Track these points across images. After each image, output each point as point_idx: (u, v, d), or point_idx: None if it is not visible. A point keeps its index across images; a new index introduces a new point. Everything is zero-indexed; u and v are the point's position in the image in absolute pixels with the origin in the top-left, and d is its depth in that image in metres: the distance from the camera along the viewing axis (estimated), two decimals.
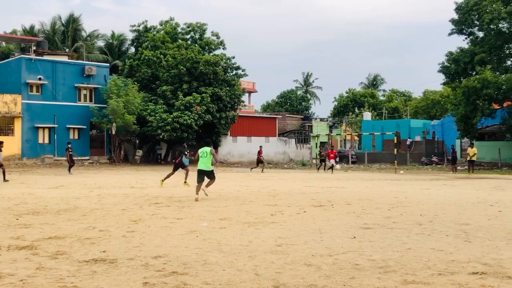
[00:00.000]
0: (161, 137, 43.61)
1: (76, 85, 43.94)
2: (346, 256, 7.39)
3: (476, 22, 42.83)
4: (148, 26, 51.26)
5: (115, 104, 40.95)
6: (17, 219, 10.90)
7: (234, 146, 52.32)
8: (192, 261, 7.02)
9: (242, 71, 50.11)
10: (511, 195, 17.49)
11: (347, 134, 64.93)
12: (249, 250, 7.79)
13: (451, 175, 32.60)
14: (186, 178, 21.12)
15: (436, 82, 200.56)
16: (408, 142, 53.25)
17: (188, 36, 51.06)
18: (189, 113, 42.98)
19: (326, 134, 60.22)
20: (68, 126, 43.13)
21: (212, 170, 15.36)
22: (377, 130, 54.86)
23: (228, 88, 47.10)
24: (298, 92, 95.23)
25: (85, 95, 44.87)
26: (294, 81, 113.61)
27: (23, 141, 40.83)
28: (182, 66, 44.89)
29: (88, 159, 43.10)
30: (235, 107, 49.33)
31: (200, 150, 15.43)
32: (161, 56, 46.36)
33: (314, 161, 48.11)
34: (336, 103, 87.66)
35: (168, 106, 44.04)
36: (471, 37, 44.26)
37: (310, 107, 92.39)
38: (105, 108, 42.58)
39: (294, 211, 12.39)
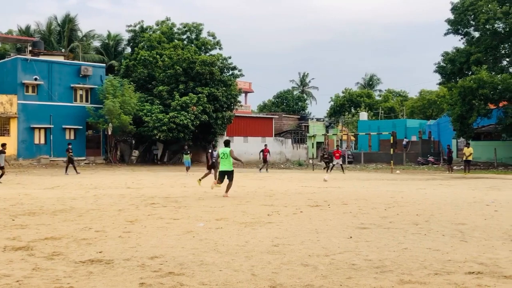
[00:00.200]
0: (157, 137, 43.59)
1: (72, 85, 43.87)
2: (342, 256, 7.40)
3: (472, 22, 42.91)
4: (144, 26, 51.26)
5: (111, 104, 40.90)
6: (13, 220, 10.88)
7: (231, 146, 52.18)
8: (188, 261, 7.01)
9: (239, 71, 50.19)
10: (507, 194, 17.54)
11: (344, 134, 64.97)
12: (245, 250, 7.79)
13: (447, 175, 32.67)
14: (203, 177, 20.92)
15: (432, 82, 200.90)
16: (404, 142, 53.32)
17: (184, 36, 51.07)
18: (186, 113, 42.96)
19: (322, 134, 60.24)
20: (64, 126, 43.06)
21: (233, 170, 16.20)
22: (374, 130, 54.93)
23: (224, 88, 47.10)
24: (295, 92, 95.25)
25: (81, 96, 44.81)
26: (290, 81, 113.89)
27: (19, 141, 40.75)
28: (179, 66, 44.86)
29: (84, 160, 43.04)
30: (232, 107, 49.35)
31: (220, 152, 16.21)
32: (157, 56, 46.34)
33: (310, 161, 48.10)
34: (332, 103, 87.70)
35: (165, 106, 44.02)
36: (467, 37, 44.34)
37: (306, 107, 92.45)
38: (101, 109, 42.52)
39: (290, 211, 12.39)
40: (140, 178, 27.02)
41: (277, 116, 65.15)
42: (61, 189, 19.35)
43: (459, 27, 43.84)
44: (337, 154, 36.87)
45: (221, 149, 16.35)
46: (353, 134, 62.59)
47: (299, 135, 63.61)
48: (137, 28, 51.38)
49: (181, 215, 11.67)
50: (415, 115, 73.87)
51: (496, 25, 41.66)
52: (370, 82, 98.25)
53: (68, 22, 58.05)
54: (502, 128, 41.90)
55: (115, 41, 60.70)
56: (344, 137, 67.79)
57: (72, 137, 43.40)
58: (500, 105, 41.91)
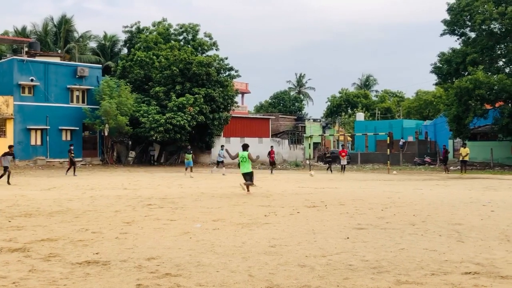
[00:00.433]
0: (154, 138, 43.56)
1: (68, 86, 43.82)
2: (339, 256, 7.40)
3: (468, 22, 43.00)
4: (141, 27, 51.24)
5: (107, 105, 40.85)
6: (9, 221, 10.85)
7: (227, 147, 51.98)
8: (185, 262, 7.00)
9: (235, 72, 50.20)
10: (503, 195, 17.57)
11: (340, 135, 64.99)
12: (242, 251, 7.79)
13: (444, 175, 32.71)
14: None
15: (428, 83, 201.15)
16: (401, 143, 53.36)
17: (181, 37, 51.06)
18: (182, 114, 42.94)
19: (319, 135, 60.26)
20: (60, 127, 43.00)
21: (252, 172, 17.68)
22: (370, 131, 54.94)
23: (221, 89, 47.10)
24: (291, 93, 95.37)
25: (77, 97, 44.74)
26: (287, 82, 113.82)
27: (15, 142, 40.56)
28: (175, 67, 44.84)
29: (81, 161, 42.95)
30: (228, 108, 49.34)
31: (240, 155, 17.64)
32: (154, 57, 46.32)
33: (307, 161, 48.10)
34: (329, 103, 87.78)
35: (161, 107, 43.99)
36: (463, 37, 44.42)
37: (303, 107, 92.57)
38: (97, 110, 42.47)
39: (287, 212, 12.39)
40: (136, 179, 26.99)
41: (273, 117, 65.17)
42: (57, 190, 19.32)
43: (455, 27, 43.92)
44: (343, 154, 36.82)
45: (240, 152, 17.79)
46: (349, 134, 62.60)
47: (296, 136, 63.63)
48: (133, 29, 51.37)
49: (178, 216, 11.66)
50: (411, 116, 73.94)
51: (492, 26, 41.76)
52: (367, 83, 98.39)
53: (64, 23, 57.98)
54: (498, 128, 41.98)
55: (112, 42, 60.66)
56: (341, 138, 67.83)
57: (69, 138, 43.33)
58: (496, 105, 42.00)
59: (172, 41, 49.37)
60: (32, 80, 41.61)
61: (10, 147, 23.94)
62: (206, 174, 33.43)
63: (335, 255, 7.51)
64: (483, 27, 41.30)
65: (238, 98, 59.24)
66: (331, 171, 37.31)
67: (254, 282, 6.01)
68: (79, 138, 44.13)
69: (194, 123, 43.99)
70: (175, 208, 13.31)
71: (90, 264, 6.93)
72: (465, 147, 34.99)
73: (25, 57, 43.16)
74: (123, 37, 55.08)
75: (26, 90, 41.89)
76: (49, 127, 42.33)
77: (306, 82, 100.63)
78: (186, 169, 31.17)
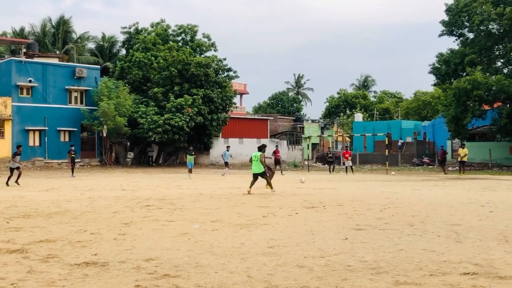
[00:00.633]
0: (152, 139, 43.54)
1: (66, 87, 43.79)
2: (338, 257, 7.40)
3: (466, 23, 43.03)
4: (139, 28, 51.23)
5: (106, 106, 40.84)
6: (8, 223, 10.84)
7: (226, 148, 52.18)
8: (184, 263, 7.00)
9: (234, 72, 50.18)
10: (501, 195, 17.58)
11: (339, 135, 65.00)
12: (241, 252, 7.78)
13: (442, 176, 32.72)
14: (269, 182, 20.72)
15: (427, 83, 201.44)
16: (399, 143, 53.38)
17: (179, 38, 51.07)
18: (181, 115, 42.93)
19: (317, 136, 60.27)
20: (59, 128, 42.96)
21: (264, 171, 18.08)
22: (369, 131, 54.97)
23: (219, 89, 47.09)
24: (290, 94, 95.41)
25: (75, 97, 44.72)
26: (285, 83, 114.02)
27: (13, 143, 40.54)
28: (174, 68, 44.84)
29: (79, 162, 42.90)
30: (227, 108, 49.34)
31: (253, 155, 18.19)
32: (152, 58, 46.32)
33: (306, 162, 48.12)
34: (327, 104, 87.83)
35: (160, 108, 43.99)
36: (461, 38, 44.45)
37: (301, 108, 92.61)
38: (96, 110, 42.45)
39: (286, 213, 12.39)
40: (135, 180, 26.97)
41: (272, 118, 65.12)
42: (56, 191, 19.30)
43: (453, 28, 43.94)
44: (347, 155, 36.62)
45: (254, 153, 18.31)
46: (348, 135, 62.63)
47: (294, 137, 63.61)
48: (132, 30, 51.38)
49: (176, 217, 11.65)
50: (410, 116, 74.01)
51: (490, 26, 41.81)
52: (365, 83, 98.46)
53: (63, 24, 57.94)
54: (496, 129, 42.02)
55: (110, 43, 60.62)
56: (339, 138, 67.85)
57: (67, 139, 43.30)
58: (495, 106, 42.03)
59: (170, 42, 49.37)
60: (30, 81, 41.58)
61: (18, 146, 23.70)
62: (205, 175, 33.40)
63: (333, 255, 7.51)
64: (482, 27, 41.35)
65: (236, 99, 59.22)
66: (333, 171, 37.32)
67: (252, 283, 6.01)
68: (77, 139, 44.08)
69: (193, 124, 43.98)
70: (173, 209, 13.30)
71: (89, 265, 6.92)
72: (463, 148, 35.02)
73: (23, 58, 43.13)
74: (121, 38, 55.17)
75: (24, 91, 41.85)
76: (47, 128, 42.29)
77: (304, 82, 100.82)
78: (189, 170, 30.60)
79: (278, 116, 70.98)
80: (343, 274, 6.43)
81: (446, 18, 43.73)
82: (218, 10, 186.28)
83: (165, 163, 49.00)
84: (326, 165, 39.69)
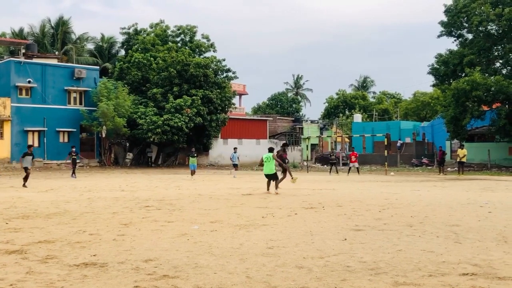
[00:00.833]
0: (151, 139, 43.53)
1: (65, 88, 43.78)
2: (337, 258, 7.40)
3: (465, 24, 43.05)
4: (138, 28, 51.24)
5: (105, 107, 40.84)
6: (7, 223, 10.83)
7: (225, 148, 52.30)
8: (183, 264, 7.00)
9: (233, 73, 50.22)
10: (500, 196, 17.58)
11: (338, 136, 65.01)
12: (240, 252, 7.78)
13: (441, 177, 32.74)
14: (290, 175, 20.59)
15: (426, 84, 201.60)
16: (398, 144, 53.41)
17: (178, 39, 51.09)
18: (180, 115, 42.94)
19: (316, 136, 60.28)
20: (58, 129, 42.95)
21: (275, 173, 18.30)
22: (368, 132, 54.99)
23: (218, 90, 47.11)
24: (289, 94, 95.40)
25: (75, 98, 44.71)
26: (284, 83, 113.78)
27: (12, 144, 40.61)
28: (173, 68, 44.85)
29: (78, 162, 42.87)
30: (226, 109, 49.37)
31: (264, 156, 18.38)
32: (152, 58, 46.34)
33: (305, 163, 48.12)
34: (326, 105, 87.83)
35: (159, 109, 43.99)
36: (460, 39, 44.47)
37: (300, 109, 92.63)
38: (95, 111, 42.45)
39: (285, 214, 12.39)
40: (134, 180, 26.96)
41: (271, 118, 65.16)
42: (55, 192, 19.29)
43: (452, 29, 43.96)
44: (353, 157, 36.39)
45: (264, 154, 18.56)
46: (347, 136, 62.65)
47: (293, 137, 63.63)
48: (131, 30, 51.39)
49: (175, 218, 11.65)
50: (409, 117, 74.02)
51: (489, 27, 41.83)
52: (364, 84, 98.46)
53: (62, 25, 57.93)
54: (495, 129, 42.03)
55: (109, 43, 60.64)
56: (339, 139, 67.86)
57: (66, 140, 43.30)
58: (494, 106, 42.06)
59: (169, 42, 49.38)
60: (29, 82, 41.56)
61: (29, 147, 23.40)
62: (204, 175, 33.39)
63: (332, 256, 7.51)
64: (480, 28, 41.37)
65: (235, 100, 59.21)
66: (336, 172, 37.32)
67: (251, 283, 6.01)
68: (76, 139, 44.07)
69: (192, 124, 43.98)
70: (172, 209, 13.29)
71: (88, 266, 6.92)
72: (462, 149, 35.05)
73: (22, 59, 43.11)
74: (120, 38, 55.20)
75: (24, 92, 41.84)
76: (46, 129, 42.27)
77: (303, 83, 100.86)
78: (192, 172, 30.20)
79: (277, 117, 71.00)
80: (342, 274, 6.43)
81: (445, 19, 43.75)
82: (218, 10, 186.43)
83: (164, 163, 49.00)
84: (329, 166, 39.61)
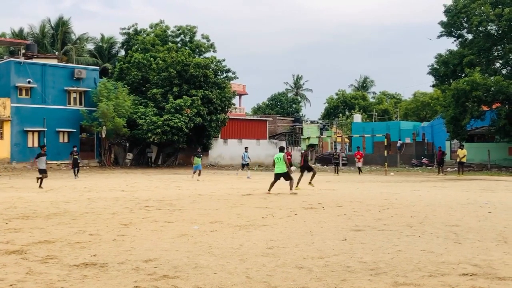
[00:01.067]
0: (151, 140, 43.51)
1: (65, 88, 43.77)
2: (337, 258, 7.40)
3: (465, 24, 43.09)
4: (138, 29, 51.23)
5: (105, 107, 40.82)
6: (7, 224, 10.83)
7: (225, 148, 52.32)
8: (183, 264, 7.00)
9: (233, 73, 50.19)
10: (500, 196, 17.58)
11: (338, 136, 65.01)
12: (240, 253, 7.78)
13: (441, 177, 32.75)
14: (312, 179, 20.88)
15: (426, 84, 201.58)
16: (398, 144, 53.44)
17: (178, 39, 51.08)
18: (180, 116, 42.92)
19: (316, 137, 60.27)
20: (57, 129, 42.94)
21: (287, 172, 18.20)
22: (368, 132, 55.01)
23: (218, 90, 47.10)
24: (289, 95, 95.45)
25: (74, 98, 44.71)
26: (284, 84, 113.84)
27: (12, 144, 40.60)
28: (173, 69, 44.83)
29: (79, 163, 42.88)
30: (226, 109, 49.35)
31: (275, 156, 18.53)
32: (151, 59, 46.33)
33: None
34: (326, 105, 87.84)
35: (159, 109, 43.98)
36: (460, 39, 44.51)
37: (300, 109, 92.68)
38: (95, 111, 42.43)
39: (285, 214, 12.38)
40: (134, 181, 26.95)
41: (271, 119, 65.18)
42: (55, 192, 19.28)
43: (452, 29, 43.99)
44: (358, 157, 36.38)
45: (276, 155, 18.64)
46: (347, 136, 62.65)
47: (293, 138, 63.64)
48: (131, 30, 51.37)
49: (175, 218, 11.65)
50: (409, 117, 74.04)
51: (489, 28, 41.87)
52: (364, 84, 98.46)
53: (62, 25, 57.93)
54: (495, 130, 42.06)
55: (109, 43, 60.64)
56: (338, 139, 67.86)
57: (66, 140, 43.29)
58: (493, 107, 42.08)
59: (169, 43, 49.39)
60: (29, 82, 41.56)
61: (42, 147, 22.93)
62: (204, 175, 33.38)
63: (332, 256, 7.51)
64: (480, 28, 41.40)
65: (235, 100, 59.22)
66: (337, 172, 37.32)
67: (251, 284, 6.01)
68: (76, 140, 44.05)
69: (192, 125, 43.97)
70: (172, 210, 13.29)
71: (88, 266, 6.92)
72: (462, 149, 35.06)
73: (22, 59, 43.11)
74: (120, 39, 55.18)
75: (23, 92, 41.83)
76: (46, 129, 42.26)
77: (303, 83, 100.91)
78: (194, 172, 29.81)
79: (277, 117, 71.06)
80: (342, 275, 6.43)
81: (445, 19, 43.78)
82: (218, 10, 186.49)
83: (164, 164, 48.99)
84: (329, 166, 39.63)
